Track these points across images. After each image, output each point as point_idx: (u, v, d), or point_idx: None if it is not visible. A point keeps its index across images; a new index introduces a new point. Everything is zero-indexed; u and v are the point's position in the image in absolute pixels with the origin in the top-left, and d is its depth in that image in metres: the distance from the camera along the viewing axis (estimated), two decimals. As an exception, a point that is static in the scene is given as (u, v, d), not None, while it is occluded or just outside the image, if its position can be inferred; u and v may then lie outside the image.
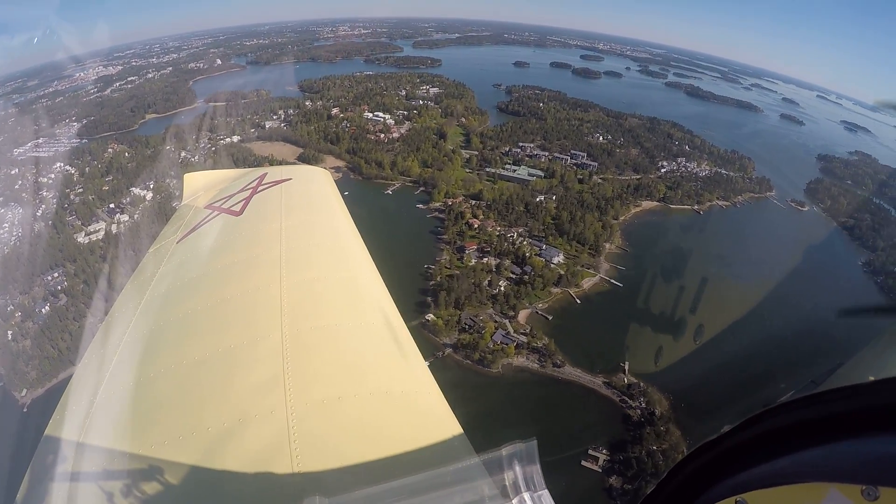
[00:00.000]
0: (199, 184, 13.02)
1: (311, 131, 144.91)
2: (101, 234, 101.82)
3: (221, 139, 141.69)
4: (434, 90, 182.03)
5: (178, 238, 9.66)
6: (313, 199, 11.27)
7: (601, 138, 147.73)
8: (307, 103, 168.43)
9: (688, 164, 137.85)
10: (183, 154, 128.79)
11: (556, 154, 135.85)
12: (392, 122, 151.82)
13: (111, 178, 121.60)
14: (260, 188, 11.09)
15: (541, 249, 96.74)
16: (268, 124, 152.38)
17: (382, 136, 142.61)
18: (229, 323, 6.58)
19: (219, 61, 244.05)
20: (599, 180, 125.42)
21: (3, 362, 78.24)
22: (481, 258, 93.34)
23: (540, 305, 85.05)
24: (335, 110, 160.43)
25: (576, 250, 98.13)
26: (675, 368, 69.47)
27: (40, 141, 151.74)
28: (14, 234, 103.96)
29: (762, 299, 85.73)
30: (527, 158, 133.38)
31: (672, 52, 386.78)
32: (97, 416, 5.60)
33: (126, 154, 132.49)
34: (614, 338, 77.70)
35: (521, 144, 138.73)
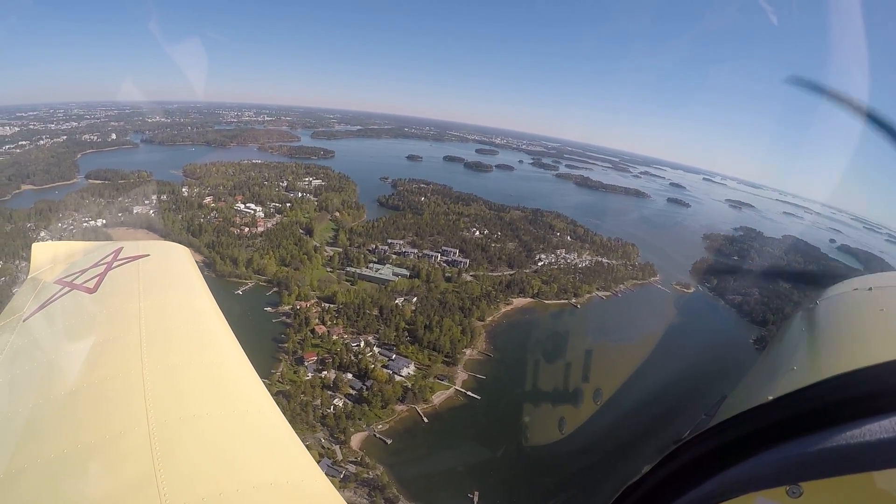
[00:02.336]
0: (49, 255, 11.58)
1: (176, 221, 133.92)
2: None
3: (86, 221, 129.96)
4: (317, 182, 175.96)
5: (25, 315, 8.54)
6: (173, 278, 10.41)
7: (477, 233, 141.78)
8: (184, 190, 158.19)
9: (567, 256, 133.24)
10: (42, 234, 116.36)
11: (425, 251, 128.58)
12: (262, 214, 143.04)
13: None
14: (115, 264, 10.06)
15: (389, 360, 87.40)
16: (136, 209, 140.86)
17: (247, 229, 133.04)
18: (88, 414, 5.78)
19: (114, 136, 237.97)
20: (469, 278, 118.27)
21: None
22: (320, 371, 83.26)
23: (379, 427, 74.93)
24: (208, 199, 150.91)
25: (430, 359, 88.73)
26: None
27: None
28: None
29: (644, 392, 77.75)
30: (394, 256, 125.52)
31: (566, 145, 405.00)
32: None
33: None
34: (462, 462, 67.69)
35: (390, 241, 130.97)
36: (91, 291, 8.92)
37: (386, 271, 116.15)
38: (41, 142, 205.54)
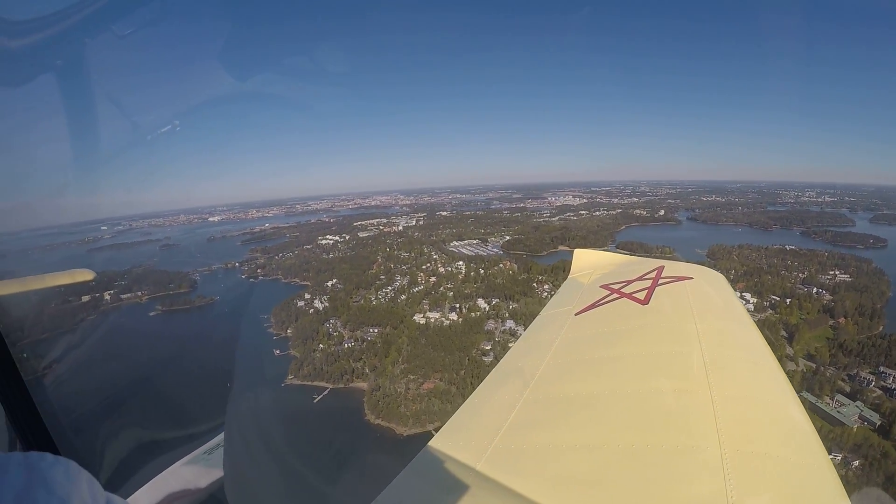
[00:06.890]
0: (588, 261, 13.50)
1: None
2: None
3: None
4: (842, 277, 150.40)
5: (576, 311, 9.72)
6: (720, 304, 10.05)
7: None
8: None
9: None
10: (534, 286, 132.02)
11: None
12: (752, 307, 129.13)
13: (452, 284, 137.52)
14: (661, 281, 10.51)
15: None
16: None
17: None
18: (655, 417, 5.94)
19: (662, 212, 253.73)
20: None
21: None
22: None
23: None
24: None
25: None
26: None
27: (474, 242, 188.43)
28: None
29: None
30: (879, 391, 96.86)
31: None
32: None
33: (509, 272, 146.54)
34: None
35: (882, 370, 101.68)
36: (642, 303, 9.37)
37: (848, 411, 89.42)
38: (597, 213, 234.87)
